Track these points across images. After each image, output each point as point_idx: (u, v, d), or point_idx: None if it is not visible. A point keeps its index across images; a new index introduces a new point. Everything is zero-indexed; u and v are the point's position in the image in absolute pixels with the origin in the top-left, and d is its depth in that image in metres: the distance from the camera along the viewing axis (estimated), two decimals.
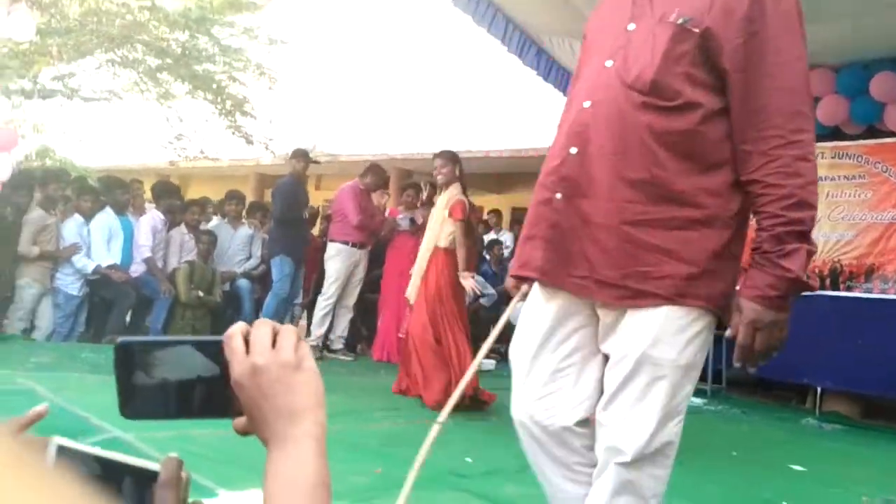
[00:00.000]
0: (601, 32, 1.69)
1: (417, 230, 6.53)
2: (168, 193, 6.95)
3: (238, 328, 0.70)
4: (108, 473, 0.62)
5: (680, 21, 1.51)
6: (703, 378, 6.66)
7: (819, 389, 5.74)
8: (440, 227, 4.84)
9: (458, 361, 4.55)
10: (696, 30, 1.49)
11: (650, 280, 1.50)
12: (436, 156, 5.00)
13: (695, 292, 1.49)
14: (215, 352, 0.69)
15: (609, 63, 1.58)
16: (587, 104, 1.59)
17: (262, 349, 0.68)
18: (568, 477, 1.64)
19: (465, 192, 4.97)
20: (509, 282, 1.87)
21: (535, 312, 1.68)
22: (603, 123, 1.55)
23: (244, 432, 0.70)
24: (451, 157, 4.94)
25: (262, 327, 0.70)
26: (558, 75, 7.67)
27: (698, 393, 6.59)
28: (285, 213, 6.52)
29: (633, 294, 1.51)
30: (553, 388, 1.63)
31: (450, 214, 4.79)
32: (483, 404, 4.51)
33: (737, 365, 1.49)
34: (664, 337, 1.49)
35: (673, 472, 3.55)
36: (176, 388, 0.69)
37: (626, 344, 1.54)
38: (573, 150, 1.58)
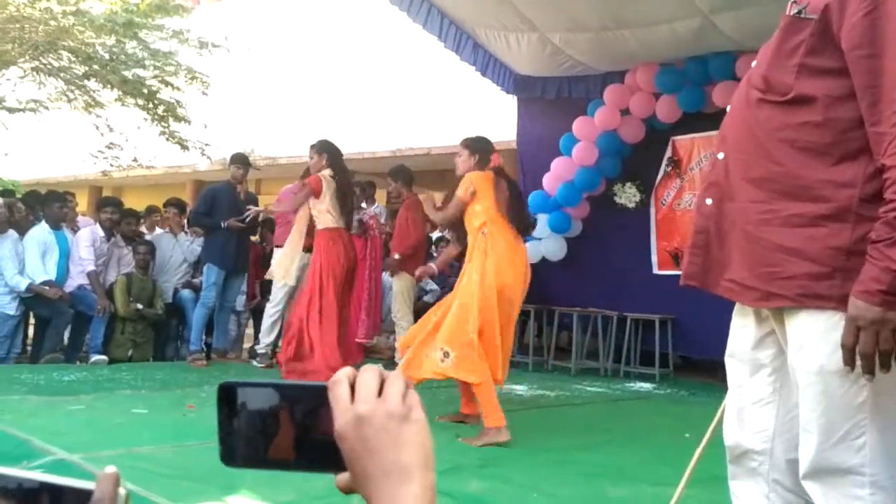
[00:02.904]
0: None
1: (364, 231, 6.57)
2: (109, 206, 6.74)
3: (344, 374, 0.65)
4: (43, 498, 0.58)
5: (794, 12, 1.47)
6: (650, 363, 6.80)
7: None
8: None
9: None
10: (814, 15, 1.42)
11: (776, 280, 1.45)
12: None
13: (826, 293, 1.39)
14: (320, 398, 0.64)
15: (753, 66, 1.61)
16: (728, 108, 1.64)
17: (366, 397, 0.62)
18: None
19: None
20: None
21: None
22: (733, 125, 1.58)
23: (347, 490, 0.63)
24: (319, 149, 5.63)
25: (368, 373, 0.64)
26: (496, 69, 7.71)
27: (647, 378, 6.73)
28: (196, 218, 6.57)
29: (764, 296, 1.48)
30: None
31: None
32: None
33: (846, 368, 1.34)
34: (807, 343, 1.42)
35: (627, 455, 3.61)
36: (279, 436, 0.65)
37: (787, 352, 1.52)
38: (720, 156, 1.61)
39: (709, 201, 1.61)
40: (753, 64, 1.60)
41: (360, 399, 0.62)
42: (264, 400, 0.65)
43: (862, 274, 1.32)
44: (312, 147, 5.61)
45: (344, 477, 0.63)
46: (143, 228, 7.33)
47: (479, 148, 4.32)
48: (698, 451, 2.11)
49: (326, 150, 5.62)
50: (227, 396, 0.65)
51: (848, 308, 1.33)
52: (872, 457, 1.39)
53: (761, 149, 1.49)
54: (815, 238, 1.41)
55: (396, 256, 6.29)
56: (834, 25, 1.39)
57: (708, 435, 2.05)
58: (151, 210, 7.77)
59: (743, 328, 1.63)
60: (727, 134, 1.60)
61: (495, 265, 3.92)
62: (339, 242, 5.56)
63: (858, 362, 1.34)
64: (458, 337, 3.78)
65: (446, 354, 3.77)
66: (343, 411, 0.62)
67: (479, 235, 4.04)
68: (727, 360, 1.68)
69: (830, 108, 1.41)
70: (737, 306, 1.65)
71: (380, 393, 0.63)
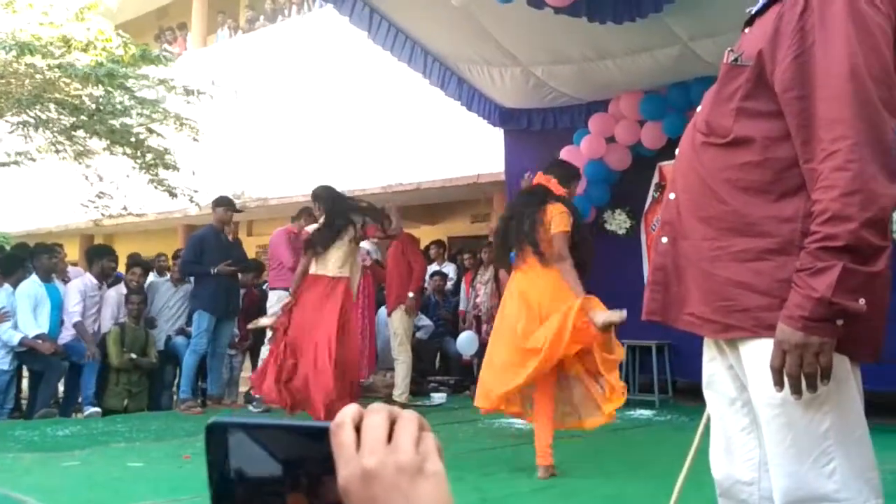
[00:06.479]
0: None
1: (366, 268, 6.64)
2: (101, 255, 6.70)
3: (349, 414, 0.55)
4: None
5: (731, 60, 1.53)
6: (650, 389, 6.76)
7: None
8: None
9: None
10: (749, 62, 1.48)
11: (732, 313, 1.49)
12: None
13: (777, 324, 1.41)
14: (322, 442, 0.55)
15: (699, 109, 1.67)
16: (678, 151, 1.69)
17: (373, 445, 0.53)
18: None
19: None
20: None
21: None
22: (682, 167, 1.64)
23: None
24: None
25: (376, 415, 0.55)
26: (481, 103, 7.77)
27: (646, 404, 6.69)
28: (187, 266, 6.41)
29: (723, 328, 1.52)
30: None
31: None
32: None
33: (776, 390, 1.38)
34: (766, 375, 1.43)
35: (633, 485, 3.58)
36: (277, 484, 0.56)
37: (746, 385, 1.53)
38: (671, 196, 1.66)
39: (664, 240, 1.65)
40: (699, 109, 1.66)
41: (366, 448, 0.53)
42: (263, 440, 0.56)
43: (788, 301, 1.38)
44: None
45: None
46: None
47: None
48: (679, 482, 2.10)
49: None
50: (218, 438, 0.56)
51: (776, 332, 1.38)
52: (844, 481, 1.41)
53: (708, 189, 1.54)
54: (762, 272, 1.46)
55: (411, 295, 6.33)
56: (767, 70, 1.46)
57: (687, 464, 2.05)
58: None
59: (712, 360, 1.67)
60: (677, 175, 1.66)
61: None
62: None
63: (806, 389, 1.37)
64: None
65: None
66: (346, 461, 0.53)
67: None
68: (705, 391, 1.70)
69: (768, 148, 1.47)
70: (705, 339, 1.68)
71: (390, 438, 0.54)
